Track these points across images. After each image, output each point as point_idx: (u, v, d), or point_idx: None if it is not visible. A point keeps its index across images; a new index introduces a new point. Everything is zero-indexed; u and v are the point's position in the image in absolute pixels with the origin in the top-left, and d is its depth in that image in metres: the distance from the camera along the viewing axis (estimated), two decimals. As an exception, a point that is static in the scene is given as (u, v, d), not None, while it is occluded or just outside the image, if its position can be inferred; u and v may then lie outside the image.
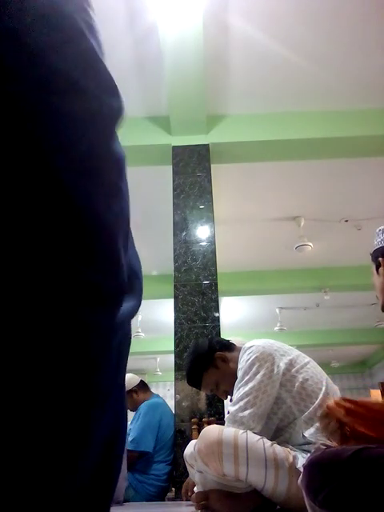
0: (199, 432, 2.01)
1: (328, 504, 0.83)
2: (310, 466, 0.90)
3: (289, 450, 1.45)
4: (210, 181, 3.43)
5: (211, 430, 1.48)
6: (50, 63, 0.39)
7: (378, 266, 1.29)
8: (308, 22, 2.96)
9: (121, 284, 0.45)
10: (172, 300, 3.07)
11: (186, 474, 2.26)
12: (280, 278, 6.17)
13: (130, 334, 0.52)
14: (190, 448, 2.00)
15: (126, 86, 3.40)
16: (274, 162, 3.98)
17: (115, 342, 0.47)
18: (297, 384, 1.58)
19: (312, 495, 0.87)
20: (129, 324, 0.50)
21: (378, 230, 1.34)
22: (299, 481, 0.94)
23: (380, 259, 1.27)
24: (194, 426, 2.60)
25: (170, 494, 3.11)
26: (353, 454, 0.85)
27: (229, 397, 1.82)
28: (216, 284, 3.09)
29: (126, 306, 0.47)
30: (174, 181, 3.44)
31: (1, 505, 0.34)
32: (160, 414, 3.01)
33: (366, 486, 0.81)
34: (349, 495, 0.81)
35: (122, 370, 0.51)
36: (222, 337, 2.62)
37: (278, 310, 7.52)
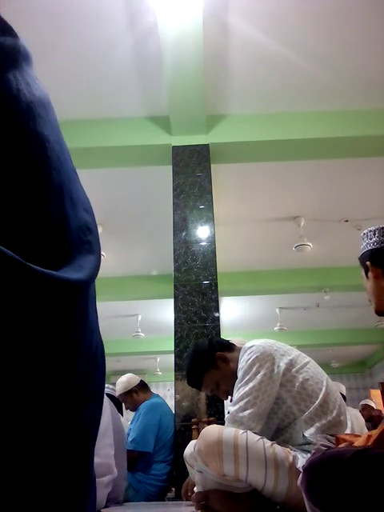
0: (199, 432, 2.01)
1: (329, 506, 0.83)
2: (310, 467, 0.89)
3: (289, 450, 1.45)
4: (210, 181, 3.42)
5: (211, 430, 1.48)
6: None
7: (366, 271, 1.30)
8: (308, 22, 2.96)
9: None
10: (172, 300, 3.07)
11: (186, 473, 2.26)
12: (280, 278, 6.17)
13: (95, 291, 0.52)
14: (190, 448, 2.00)
15: (126, 86, 3.40)
16: (274, 162, 3.98)
17: (88, 300, 0.48)
18: (297, 384, 1.58)
19: (312, 498, 0.86)
20: (93, 283, 0.50)
21: (363, 234, 1.34)
22: (299, 483, 0.93)
23: (367, 263, 1.27)
24: (194, 426, 2.60)
25: (170, 494, 3.11)
26: (353, 455, 0.84)
27: (229, 397, 1.82)
28: (216, 284, 3.09)
29: (87, 261, 0.47)
30: (174, 181, 3.44)
31: None
32: (160, 414, 3.01)
33: (367, 487, 0.80)
34: (350, 497, 0.80)
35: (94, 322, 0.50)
36: (221, 337, 2.62)
37: (277, 310, 7.52)
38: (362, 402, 5.98)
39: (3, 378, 0.36)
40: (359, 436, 1.04)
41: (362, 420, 4.37)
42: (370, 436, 0.98)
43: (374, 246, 1.27)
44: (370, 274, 1.27)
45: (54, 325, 0.40)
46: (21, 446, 0.37)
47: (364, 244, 1.31)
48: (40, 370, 0.39)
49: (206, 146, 3.56)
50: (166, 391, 10.36)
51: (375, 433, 0.96)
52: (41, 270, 0.39)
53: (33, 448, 0.38)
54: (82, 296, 0.45)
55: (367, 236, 1.30)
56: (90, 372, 0.47)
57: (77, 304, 0.44)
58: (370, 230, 1.30)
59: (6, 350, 0.36)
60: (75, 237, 0.47)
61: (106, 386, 3.35)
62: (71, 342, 0.43)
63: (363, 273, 1.32)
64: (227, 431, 1.45)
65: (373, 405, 5.82)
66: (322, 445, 1.40)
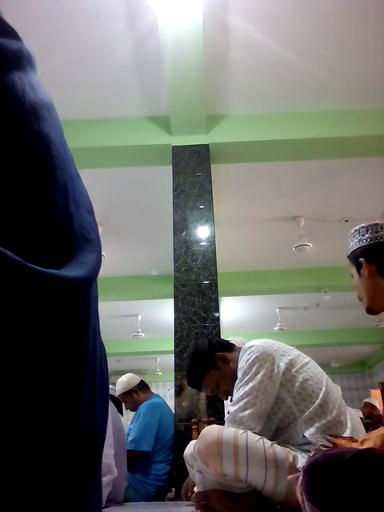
0: (199, 432, 2.01)
1: (329, 507, 0.82)
2: (310, 468, 0.89)
3: (289, 450, 1.45)
4: (210, 181, 3.42)
5: (211, 430, 1.48)
6: None
7: (358, 268, 1.27)
8: (308, 22, 2.96)
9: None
10: (172, 300, 3.07)
11: (186, 473, 2.26)
12: (280, 278, 6.17)
13: (97, 292, 0.52)
14: (190, 448, 1.99)
15: (126, 86, 3.40)
16: (274, 162, 3.98)
17: (91, 295, 0.48)
18: (297, 384, 1.58)
19: (312, 499, 0.85)
20: (95, 282, 0.50)
21: (354, 230, 1.31)
22: (299, 483, 0.92)
23: (361, 260, 1.25)
24: (194, 426, 2.60)
25: (170, 494, 3.10)
26: (354, 455, 0.83)
27: (229, 397, 1.82)
28: (216, 284, 3.09)
29: (89, 258, 0.47)
30: (174, 181, 3.44)
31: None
32: (160, 414, 3.01)
33: (368, 488, 0.79)
34: (350, 498, 0.80)
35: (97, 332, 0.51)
36: (221, 337, 2.62)
37: (277, 310, 7.51)
38: (365, 400, 5.97)
39: (11, 380, 0.36)
40: (356, 440, 1.03)
41: (357, 419, 4.35)
42: (364, 440, 0.97)
43: (367, 243, 1.25)
44: (363, 270, 1.25)
45: (58, 324, 0.40)
46: (36, 448, 0.38)
47: (355, 241, 1.28)
48: (50, 372, 0.39)
49: (206, 146, 3.56)
50: (166, 391, 10.37)
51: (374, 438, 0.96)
52: (42, 270, 0.39)
53: (49, 451, 0.38)
54: (85, 294, 0.45)
55: (359, 233, 1.27)
56: (98, 373, 0.47)
57: (79, 302, 0.44)
58: (363, 227, 1.27)
59: (11, 351, 0.36)
60: (79, 235, 0.48)
61: (106, 385, 3.34)
62: (75, 343, 0.43)
63: (354, 270, 1.29)
64: (227, 431, 1.45)
65: (376, 404, 5.79)
66: (322, 445, 1.40)
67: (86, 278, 0.45)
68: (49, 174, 0.45)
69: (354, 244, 1.30)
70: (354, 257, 1.29)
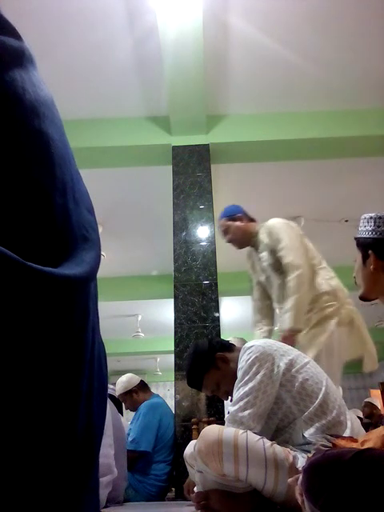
0: (199, 432, 2.01)
1: (329, 508, 0.82)
2: (310, 468, 0.89)
3: (289, 450, 1.45)
4: (210, 181, 3.43)
5: (211, 430, 1.48)
6: None
7: (365, 256, 1.25)
8: (308, 22, 2.96)
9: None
10: (172, 300, 3.07)
11: (185, 473, 2.26)
12: (280, 278, 6.16)
13: (97, 291, 0.53)
14: (190, 448, 1.99)
15: (126, 86, 3.40)
16: (274, 162, 3.98)
17: (91, 291, 0.48)
18: (297, 384, 1.58)
19: (312, 499, 0.85)
20: (94, 280, 0.50)
21: (369, 217, 1.26)
22: (299, 484, 0.92)
23: (370, 252, 1.22)
24: (194, 426, 2.60)
25: (170, 494, 3.10)
26: (354, 455, 0.83)
27: (230, 397, 1.82)
28: (216, 284, 3.09)
29: (88, 257, 0.47)
30: (173, 181, 3.44)
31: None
32: (160, 414, 3.01)
33: (367, 488, 0.79)
34: (350, 498, 0.80)
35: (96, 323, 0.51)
36: (222, 337, 2.62)
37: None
38: (366, 400, 5.96)
39: (7, 378, 0.36)
40: (356, 441, 1.03)
41: (357, 421, 4.36)
42: (365, 441, 0.97)
43: (380, 236, 1.21)
44: (370, 262, 1.23)
45: (56, 322, 0.41)
46: (30, 447, 0.38)
47: (368, 228, 1.24)
48: (47, 370, 0.39)
49: (206, 145, 3.56)
50: (166, 391, 10.37)
51: (374, 438, 0.95)
52: (40, 268, 0.39)
53: (44, 450, 0.39)
54: (83, 292, 0.45)
55: (375, 222, 1.22)
56: (96, 371, 0.47)
57: (77, 300, 0.44)
58: (380, 217, 1.22)
59: (7, 349, 0.36)
60: (78, 233, 0.48)
61: (106, 385, 3.34)
62: (73, 341, 0.43)
63: (360, 257, 1.27)
64: (227, 431, 1.45)
65: (377, 404, 5.79)
66: (322, 445, 1.40)
67: (85, 276, 0.45)
68: (48, 171, 0.46)
69: (366, 230, 1.25)
70: (363, 244, 1.25)
